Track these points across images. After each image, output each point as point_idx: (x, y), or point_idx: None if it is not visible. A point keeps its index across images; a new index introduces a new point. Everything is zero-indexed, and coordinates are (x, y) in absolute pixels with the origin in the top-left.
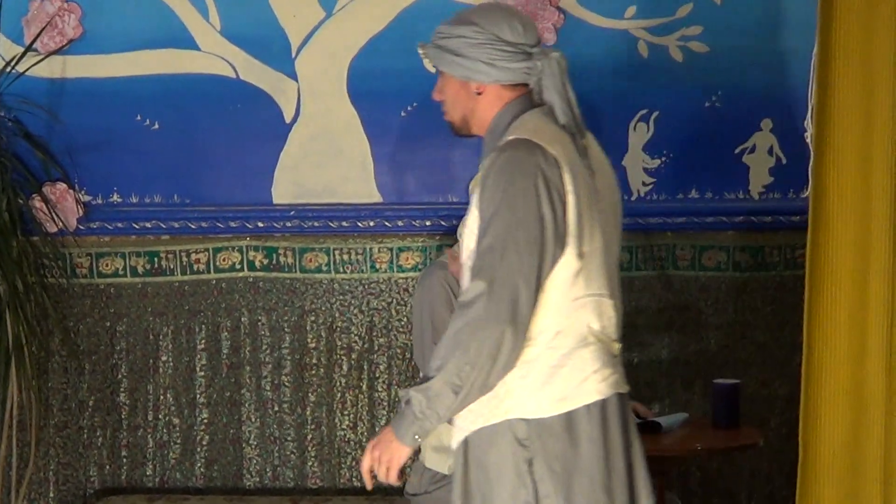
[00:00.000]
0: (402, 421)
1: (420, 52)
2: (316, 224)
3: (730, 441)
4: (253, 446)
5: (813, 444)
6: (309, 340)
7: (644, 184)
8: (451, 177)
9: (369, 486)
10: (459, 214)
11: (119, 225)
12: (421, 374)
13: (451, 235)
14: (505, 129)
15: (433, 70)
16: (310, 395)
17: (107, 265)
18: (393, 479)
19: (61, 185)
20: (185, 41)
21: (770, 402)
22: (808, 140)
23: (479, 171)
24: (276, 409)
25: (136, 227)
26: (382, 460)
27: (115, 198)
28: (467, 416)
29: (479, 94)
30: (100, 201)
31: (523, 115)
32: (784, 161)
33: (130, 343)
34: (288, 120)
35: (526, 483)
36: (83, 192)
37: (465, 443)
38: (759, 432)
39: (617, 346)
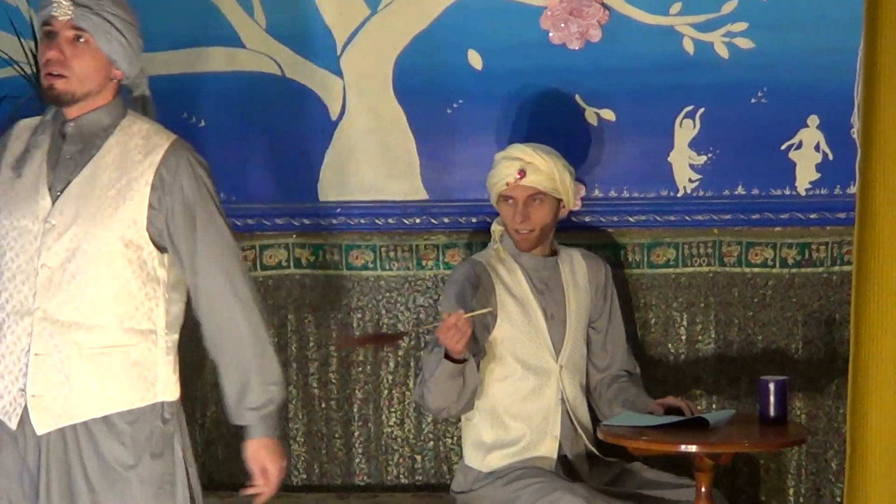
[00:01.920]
0: None
1: None
2: (362, 221)
3: (777, 438)
4: (300, 443)
5: (861, 441)
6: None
7: (690, 180)
8: None
9: None
10: None
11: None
12: None
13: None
14: None
15: None
16: (356, 391)
17: None
18: None
19: None
20: (231, 39)
21: (817, 398)
22: (855, 136)
23: None
24: (323, 405)
25: None
26: None
27: None
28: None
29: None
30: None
31: None
32: (831, 157)
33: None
34: (334, 117)
35: None
36: None
37: None
38: (807, 429)
39: None
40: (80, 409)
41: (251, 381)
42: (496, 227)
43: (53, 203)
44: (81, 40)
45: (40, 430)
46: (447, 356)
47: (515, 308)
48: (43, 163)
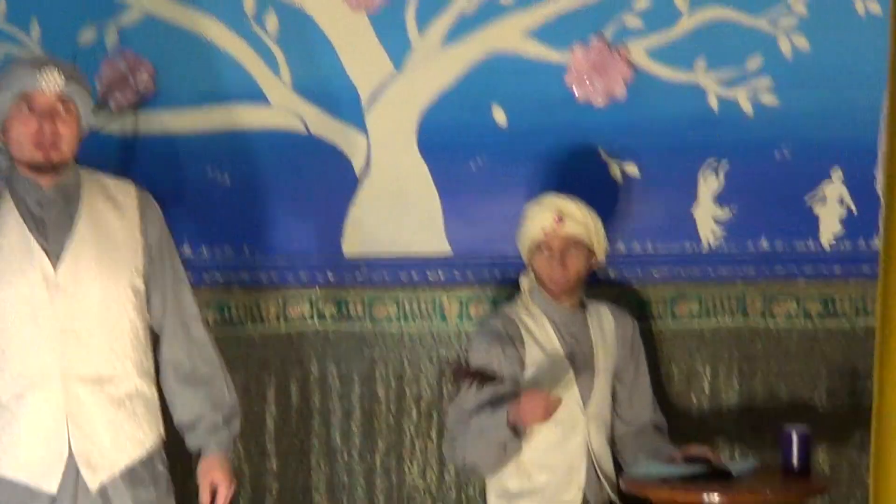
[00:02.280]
0: None
1: None
2: (385, 275)
3: (800, 488)
4: (322, 494)
5: (884, 493)
6: (378, 390)
7: (714, 234)
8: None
9: None
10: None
11: (190, 277)
12: None
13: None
14: None
15: None
16: (379, 443)
17: None
18: None
19: None
20: (256, 96)
21: (841, 449)
22: (878, 189)
23: None
24: (346, 457)
25: (207, 279)
26: None
27: (186, 250)
28: None
29: None
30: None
31: None
32: (854, 211)
33: None
34: (358, 173)
35: None
36: None
37: None
38: (829, 480)
39: None
40: (120, 457)
41: (203, 413)
42: (525, 281)
43: (56, 266)
44: (67, 111)
45: (93, 485)
46: (511, 425)
47: (544, 360)
48: (24, 230)
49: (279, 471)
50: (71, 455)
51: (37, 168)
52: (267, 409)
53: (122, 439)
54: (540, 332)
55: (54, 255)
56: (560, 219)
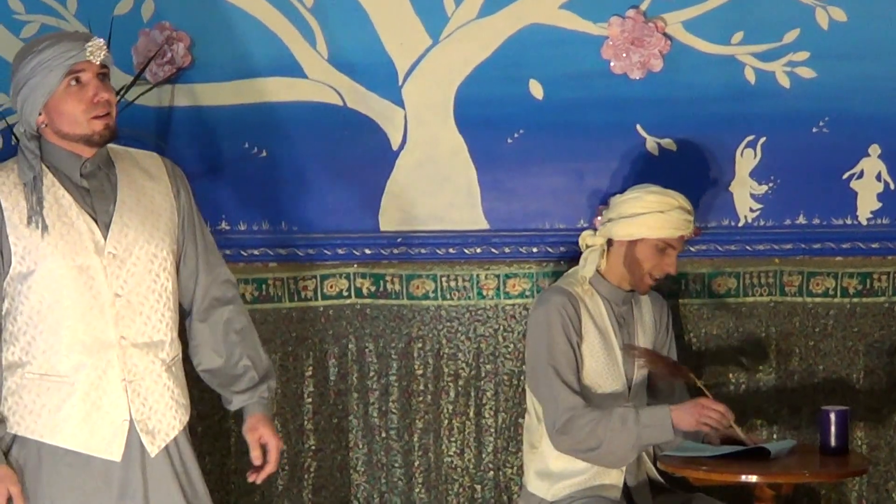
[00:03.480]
0: None
1: None
2: (423, 251)
3: (838, 468)
4: (360, 473)
5: None
6: (416, 367)
7: (751, 210)
8: (557, 203)
9: None
10: (566, 241)
11: (227, 252)
12: (530, 398)
13: (557, 262)
14: None
15: None
16: (417, 421)
17: None
18: None
19: None
20: (293, 69)
21: (879, 429)
22: None
23: None
24: (384, 435)
25: (244, 254)
26: None
27: (223, 225)
28: None
29: None
30: (208, 228)
31: None
32: (892, 186)
33: None
34: (395, 147)
35: None
36: None
37: None
38: (868, 459)
39: None
40: (174, 422)
41: (250, 368)
42: (593, 257)
43: (105, 235)
44: (107, 77)
45: (154, 451)
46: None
47: (598, 340)
48: (71, 202)
49: (317, 449)
50: (132, 422)
51: (90, 141)
52: (305, 386)
53: (173, 404)
54: (596, 312)
55: (103, 224)
56: (698, 230)
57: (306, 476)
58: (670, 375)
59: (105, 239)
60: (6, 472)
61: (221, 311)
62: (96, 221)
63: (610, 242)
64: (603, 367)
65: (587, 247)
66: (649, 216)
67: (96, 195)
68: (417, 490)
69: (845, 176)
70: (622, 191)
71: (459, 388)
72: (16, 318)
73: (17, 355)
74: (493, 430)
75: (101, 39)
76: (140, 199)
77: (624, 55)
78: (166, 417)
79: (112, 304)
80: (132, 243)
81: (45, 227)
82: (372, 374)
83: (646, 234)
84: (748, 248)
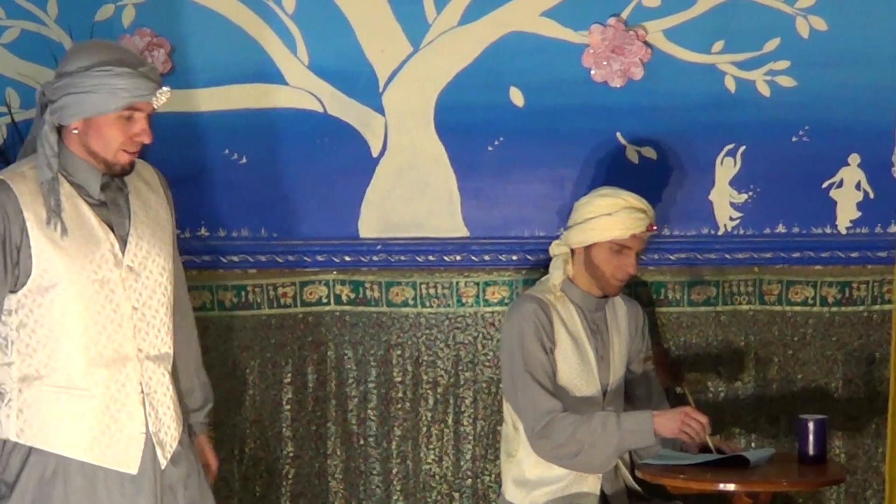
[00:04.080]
0: None
1: None
2: (402, 258)
3: (816, 477)
4: (338, 480)
5: None
6: (395, 374)
7: (731, 218)
8: (537, 211)
9: None
10: (546, 249)
11: (206, 258)
12: (506, 407)
13: (537, 269)
14: None
15: None
16: (395, 428)
17: (194, 299)
18: None
19: None
20: (274, 76)
21: (857, 437)
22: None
23: None
24: (362, 442)
25: (224, 260)
26: None
27: (203, 231)
28: None
29: None
30: (187, 235)
31: None
32: (871, 196)
33: (217, 376)
34: (375, 154)
35: None
36: None
37: None
38: (846, 468)
39: None
40: (176, 434)
41: (196, 387)
42: (560, 265)
43: (123, 248)
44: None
45: (164, 463)
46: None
47: (571, 347)
48: (91, 214)
49: (295, 455)
50: (148, 434)
51: (109, 167)
52: (283, 393)
53: (175, 416)
54: (568, 319)
55: (120, 238)
56: (652, 227)
57: (284, 483)
58: (668, 378)
59: (123, 252)
60: None
61: (181, 330)
62: (114, 234)
63: (573, 250)
64: (577, 373)
65: (554, 255)
66: (598, 220)
67: (112, 208)
68: (395, 497)
69: (825, 185)
70: None
71: (438, 396)
72: (34, 329)
73: (33, 367)
74: (471, 437)
75: (168, 88)
76: (148, 211)
77: (604, 63)
78: (171, 429)
79: (130, 318)
80: (146, 256)
81: (64, 230)
82: (351, 381)
83: (597, 237)
84: (728, 256)
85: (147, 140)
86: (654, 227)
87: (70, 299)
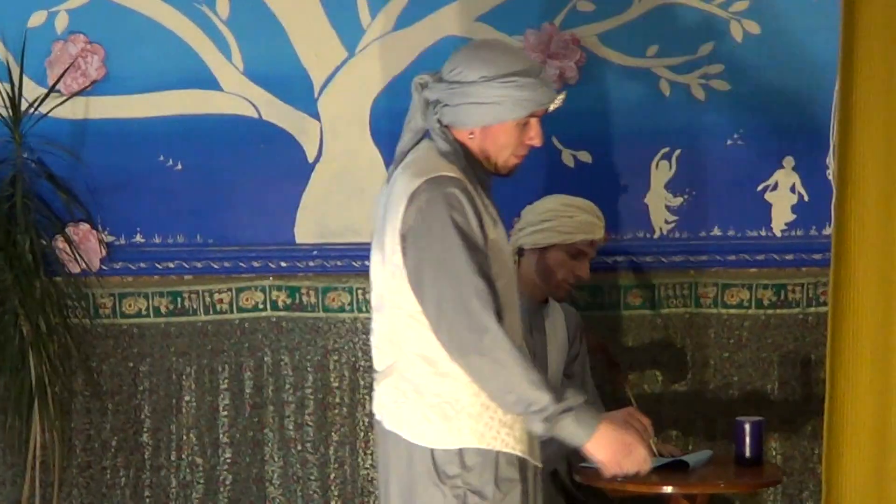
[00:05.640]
0: None
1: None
2: (339, 263)
3: (753, 479)
4: (276, 486)
5: (836, 483)
6: (332, 380)
7: (666, 221)
8: None
9: None
10: None
11: (142, 265)
12: None
13: None
14: None
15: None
16: (333, 434)
17: (130, 305)
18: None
19: (84, 226)
20: (208, 82)
21: (793, 439)
22: (830, 177)
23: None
24: (300, 448)
25: (159, 267)
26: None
27: (139, 238)
28: None
29: None
30: (123, 242)
31: None
32: (806, 198)
33: (153, 383)
34: (310, 160)
35: None
36: (106, 233)
37: None
38: (782, 470)
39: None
40: None
41: None
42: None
43: None
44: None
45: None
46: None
47: None
48: (497, 218)
49: (233, 461)
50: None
51: (497, 169)
52: (220, 399)
53: None
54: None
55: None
56: (607, 233)
57: (222, 489)
58: (609, 373)
59: None
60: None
61: None
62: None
63: (521, 253)
64: None
65: None
66: (558, 221)
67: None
68: (333, 502)
69: (760, 188)
70: None
71: None
72: None
73: None
74: None
75: (565, 93)
76: None
77: None
78: None
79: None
80: None
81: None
82: (288, 386)
83: (556, 239)
84: (663, 259)
85: (539, 143)
86: (609, 237)
87: (504, 304)
